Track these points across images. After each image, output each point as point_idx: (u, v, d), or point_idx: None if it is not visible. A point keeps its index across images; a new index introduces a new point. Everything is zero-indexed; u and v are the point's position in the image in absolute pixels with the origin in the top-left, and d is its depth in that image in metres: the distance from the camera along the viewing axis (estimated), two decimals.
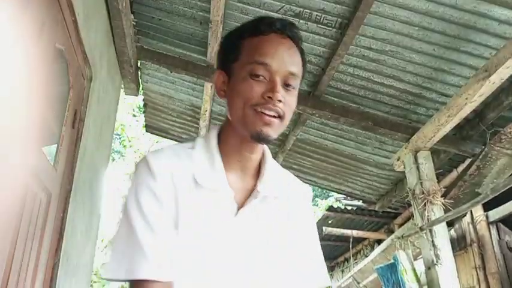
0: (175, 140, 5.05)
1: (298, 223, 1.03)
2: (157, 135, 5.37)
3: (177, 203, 0.87)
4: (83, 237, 2.44)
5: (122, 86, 3.58)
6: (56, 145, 2.02)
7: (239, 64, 0.91)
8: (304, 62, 0.95)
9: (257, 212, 0.94)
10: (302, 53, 0.95)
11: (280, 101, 0.86)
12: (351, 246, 5.81)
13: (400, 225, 5.43)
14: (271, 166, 1.00)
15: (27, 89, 1.51)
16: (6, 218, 1.40)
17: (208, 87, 3.74)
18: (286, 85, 0.89)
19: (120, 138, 12.34)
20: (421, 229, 3.06)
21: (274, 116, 0.87)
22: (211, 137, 0.96)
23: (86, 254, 2.55)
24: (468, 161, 3.52)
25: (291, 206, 1.02)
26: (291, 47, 0.92)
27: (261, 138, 0.88)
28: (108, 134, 3.13)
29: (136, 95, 3.97)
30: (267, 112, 0.86)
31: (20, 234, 1.50)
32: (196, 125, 4.52)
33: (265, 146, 1.01)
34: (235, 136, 0.93)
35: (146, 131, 5.43)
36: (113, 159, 11.85)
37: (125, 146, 12.51)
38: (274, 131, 0.88)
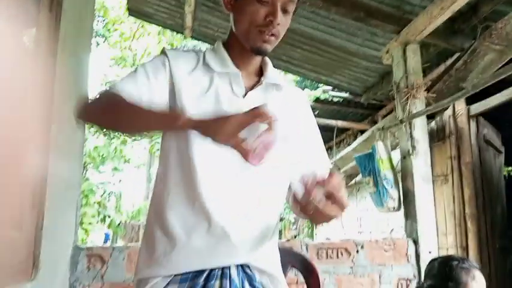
0: (160, 25, 4.84)
1: (300, 116, 1.25)
2: (140, 19, 5.15)
3: (183, 80, 1.10)
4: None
5: None
6: (34, 30, 1.95)
7: None
8: None
9: (263, 99, 1.14)
10: None
11: (278, 24, 1.07)
12: (334, 135, 6.03)
13: (384, 116, 5.57)
14: (271, 66, 1.23)
15: None
16: None
17: None
18: (285, 10, 1.09)
19: (103, 21, 11.82)
20: (401, 121, 3.16)
21: (272, 35, 1.09)
22: (217, 46, 1.20)
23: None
24: (457, 55, 3.51)
25: (290, 100, 1.24)
26: None
27: (259, 52, 1.12)
28: (89, 20, 2.99)
29: None
30: (267, 32, 1.08)
31: None
32: (181, 10, 4.32)
33: None
34: (239, 45, 1.15)
35: (129, 14, 5.19)
36: (97, 44, 11.49)
37: (109, 30, 12.04)
38: (270, 46, 1.12)
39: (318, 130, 1.29)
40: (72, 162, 2.56)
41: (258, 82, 1.17)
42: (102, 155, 10.04)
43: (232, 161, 0.99)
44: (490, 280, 3.71)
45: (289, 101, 1.22)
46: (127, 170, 11.80)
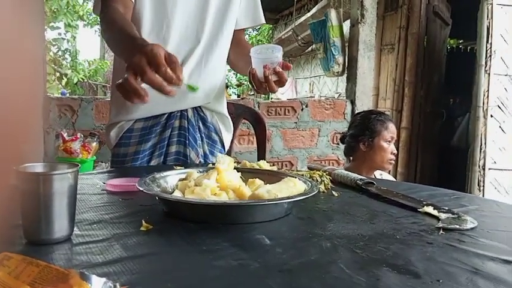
0: None
1: None
2: None
3: None
4: None
5: None
6: None
7: None
8: None
9: None
10: None
11: None
12: (295, 0, 6.03)
13: None
14: None
15: None
16: None
17: None
18: None
19: None
20: None
21: None
22: None
23: None
24: None
25: None
26: None
27: None
28: None
29: None
30: None
31: None
32: None
33: None
34: None
35: None
36: None
37: None
38: None
39: None
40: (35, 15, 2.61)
41: None
42: (54, 9, 9.51)
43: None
44: (418, 139, 4.28)
45: None
46: (81, 27, 11.28)
